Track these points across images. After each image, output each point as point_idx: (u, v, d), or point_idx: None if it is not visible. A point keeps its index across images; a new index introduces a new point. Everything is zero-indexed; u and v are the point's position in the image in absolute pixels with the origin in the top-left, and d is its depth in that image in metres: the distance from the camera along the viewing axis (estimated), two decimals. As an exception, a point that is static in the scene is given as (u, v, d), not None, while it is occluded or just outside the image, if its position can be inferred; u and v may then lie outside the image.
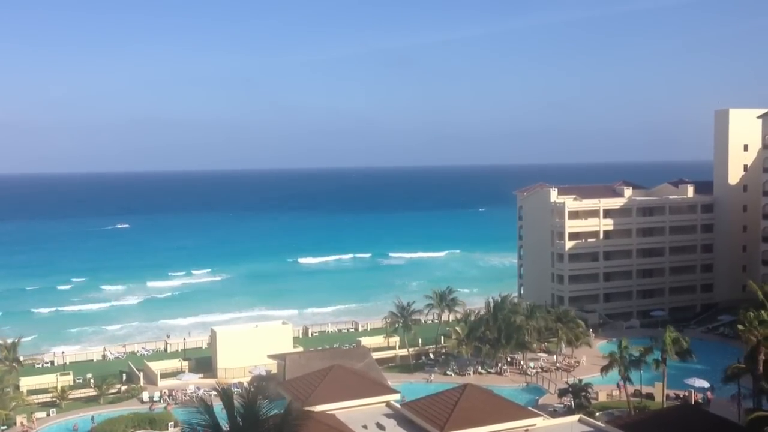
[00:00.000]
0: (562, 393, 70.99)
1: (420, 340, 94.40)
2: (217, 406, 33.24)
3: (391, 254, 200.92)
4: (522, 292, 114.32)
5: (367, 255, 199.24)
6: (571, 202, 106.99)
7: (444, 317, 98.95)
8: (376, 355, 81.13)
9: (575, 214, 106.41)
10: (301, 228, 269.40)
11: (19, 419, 68.11)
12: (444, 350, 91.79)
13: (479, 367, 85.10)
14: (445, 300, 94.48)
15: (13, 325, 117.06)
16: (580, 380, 72.34)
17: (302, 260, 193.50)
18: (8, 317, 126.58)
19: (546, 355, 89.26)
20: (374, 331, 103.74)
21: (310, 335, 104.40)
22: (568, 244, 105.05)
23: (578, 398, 66.45)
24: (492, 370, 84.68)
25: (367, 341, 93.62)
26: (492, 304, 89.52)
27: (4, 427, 66.34)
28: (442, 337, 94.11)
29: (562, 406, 69.63)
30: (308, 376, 58.52)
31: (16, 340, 78.08)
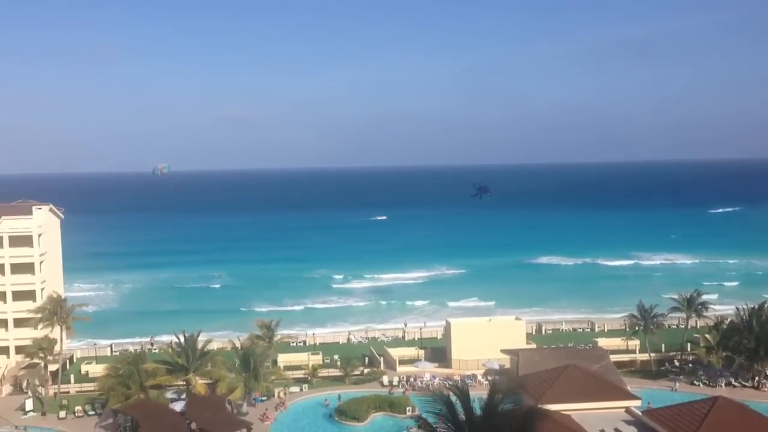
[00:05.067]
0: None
1: (663, 346, 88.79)
2: (453, 395, 34.21)
3: (637, 254, 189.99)
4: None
5: (609, 254, 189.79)
6: None
7: (691, 322, 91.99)
8: (614, 357, 77.77)
9: None
10: (530, 226, 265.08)
11: (277, 391, 75.67)
12: (691, 358, 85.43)
13: (732, 379, 77.95)
14: (693, 304, 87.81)
15: (276, 306, 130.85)
16: None
17: (541, 259, 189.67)
18: (270, 299, 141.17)
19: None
20: (611, 333, 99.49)
21: (543, 332, 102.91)
22: None
23: None
24: (747, 384, 77.11)
25: (604, 342, 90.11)
26: (747, 312, 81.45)
27: (264, 398, 74.07)
28: (689, 344, 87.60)
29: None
30: (542, 373, 57.92)
31: (276, 321, 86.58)
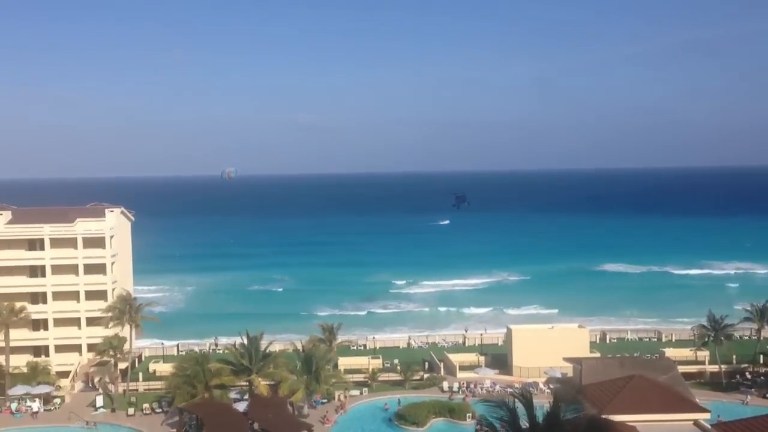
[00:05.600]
0: None
1: (734, 357, 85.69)
2: (516, 402, 33.79)
3: (708, 262, 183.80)
4: None
5: (678, 262, 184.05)
6: None
7: (764, 333, 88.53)
8: (681, 368, 75.34)
9: None
10: (596, 232, 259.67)
11: (337, 394, 76.25)
12: (764, 370, 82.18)
13: (808, 394, 74.64)
14: (766, 315, 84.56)
15: (336, 310, 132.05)
16: None
17: (606, 266, 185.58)
18: (331, 303, 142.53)
19: None
20: (679, 343, 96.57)
21: (608, 341, 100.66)
22: None
23: None
24: (825, 399, 73.67)
25: (671, 353, 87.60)
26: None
27: (324, 400, 74.77)
28: (761, 356, 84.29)
29: None
30: (606, 383, 56.63)
31: (338, 324, 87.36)
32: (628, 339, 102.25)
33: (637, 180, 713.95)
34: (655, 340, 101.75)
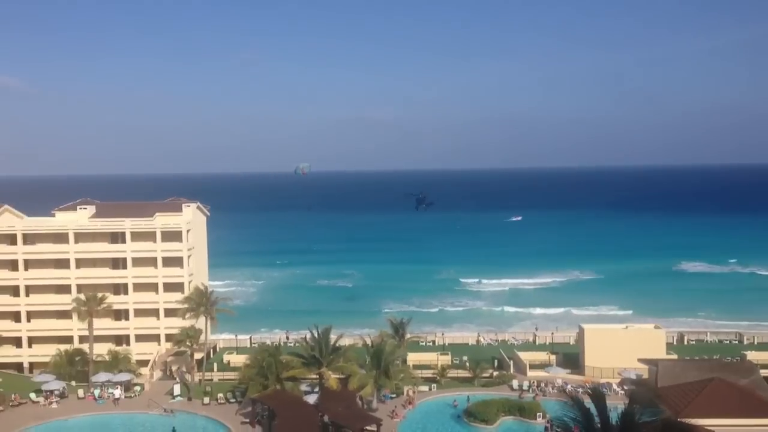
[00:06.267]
0: None
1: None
2: (588, 402, 33.13)
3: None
4: None
5: (764, 263, 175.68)
6: None
7: None
8: (765, 372, 72.21)
9: None
10: (673, 231, 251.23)
11: (406, 389, 76.43)
12: None
13: None
14: None
15: (405, 306, 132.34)
16: None
17: (684, 265, 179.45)
18: (400, 299, 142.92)
19: None
20: (762, 346, 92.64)
21: (685, 342, 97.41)
22: None
23: None
24: None
25: (754, 356, 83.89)
26: None
27: (393, 395, 75.06)
28: None
29: None
30: (683, 386, 54.88)
31: (407, 320, 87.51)
32: (707, 341, 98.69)
33: (720, 177, 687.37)
34: (737, 342, 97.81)
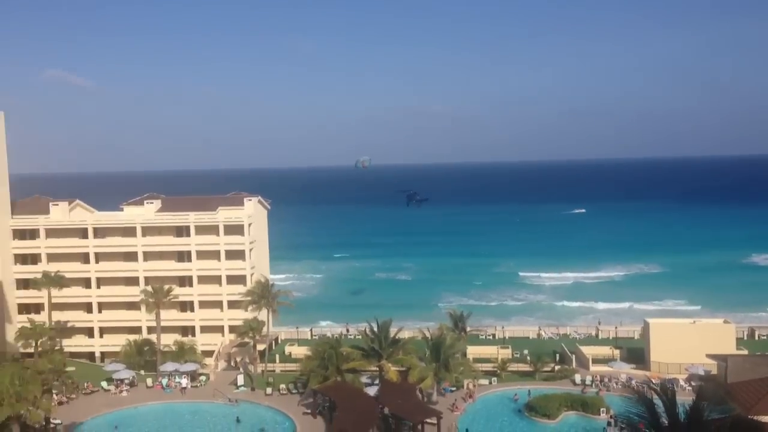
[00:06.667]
0: None
1: None
2: (656, 398, 32.32)
3: None
4: None
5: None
6: None
7: None
8: (843, 370, 69.14)
9: None
10: (742, 222, 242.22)
11: (466, 383, 76.13)
12: None
13: None
14: None
15: (465, 299, 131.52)
16: None
17: (755, 258, 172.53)
18: (459, 292, 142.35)
19: None
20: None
21: (756, 338, 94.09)
22: None
23: None
24: None
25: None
26: None
27: (453, 389, 74.85)
28: None
29: None
30: (754, 382, 52.98)
31: (468, 313, 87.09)
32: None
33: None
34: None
